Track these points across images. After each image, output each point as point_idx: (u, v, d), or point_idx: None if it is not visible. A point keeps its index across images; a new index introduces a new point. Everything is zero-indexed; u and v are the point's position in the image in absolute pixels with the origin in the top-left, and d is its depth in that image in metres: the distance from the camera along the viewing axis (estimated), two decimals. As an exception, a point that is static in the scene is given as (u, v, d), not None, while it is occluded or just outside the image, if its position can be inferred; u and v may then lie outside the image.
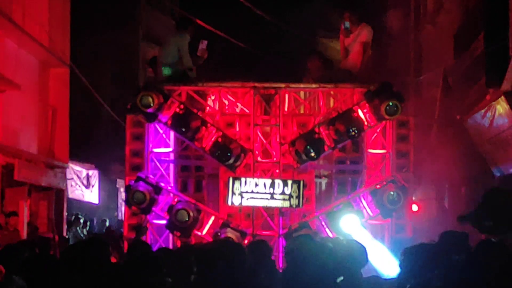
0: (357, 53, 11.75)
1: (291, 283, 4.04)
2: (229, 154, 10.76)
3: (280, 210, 11.10)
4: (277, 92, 11.40)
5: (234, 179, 10.87)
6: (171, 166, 11.61)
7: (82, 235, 20.58)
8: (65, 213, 21.26)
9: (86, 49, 23.50)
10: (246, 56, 24.38)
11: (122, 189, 29.11)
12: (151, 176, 11.11)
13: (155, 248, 8.66)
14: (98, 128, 27.11)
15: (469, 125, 14.13)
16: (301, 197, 10.84)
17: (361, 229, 10.62)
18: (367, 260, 6.59)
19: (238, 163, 10.95)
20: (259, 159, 11.32)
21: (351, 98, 11.35)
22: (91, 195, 25.87)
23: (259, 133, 11.39)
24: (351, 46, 11.81)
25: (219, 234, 10.59)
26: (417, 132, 12.21)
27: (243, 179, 10.88)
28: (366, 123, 10.95)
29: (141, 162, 11.42)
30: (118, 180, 29.24)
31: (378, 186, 10.98)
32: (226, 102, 11.83)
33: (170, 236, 11.12)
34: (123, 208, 29.38)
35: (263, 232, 11.12)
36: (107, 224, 25.19)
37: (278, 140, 11.25)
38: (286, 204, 10.88)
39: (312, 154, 10.77)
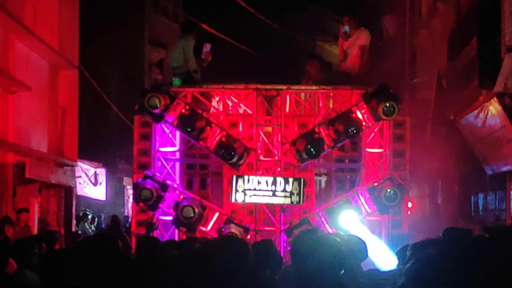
0: (356, 56, 11.78)
1: (296, 276, 4.04)
2: (232, 153, 10.77)
3: (282, 207, 11.11)
4: (278, 94, 11.42)
5: (238, 177, 10.88)
6: (177, 164, 11.62)
7: (90, 230, 20.61)
8: (74, 209, 21.27)
9: (94, 52, 23.45)
10: (248, 58, 24.40)
11: (128, 187, 29.14)
12: (157, 174, 11.12)
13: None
14: (105, 128, 27.08)
15: (462, 125, 14.15)
16: (302, 194, 10.85)
17: (359, 225, 10.63)
18: (366, 254, 6.61)
19: (241, 161, 10.96)
20: (261, 158, 11.34)
21: (350, 99, 11.36)
22: (99, 192, 25.89)
23: (261, 133, 11.41)
24: (350, 49, 11.84)
25: (223, 229, 10.61)
26: (413, 132, 12.20)
27: (246, 177, 10.88)
28: (364, 123, 10.97)
29: (148, 160, 11.43)
30: (124, 178, 29.26)
31: (375, 184, 10.99)
32: (230, 103, 11.84)
33: (176, 231, 11.13)
34: (129, 205, 29.51)
35: (265, 228, 11.14)
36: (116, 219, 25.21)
37: (279, 139, 11.27)
38: (287, 201, 10.89)
39: (313, 153, 10.80)
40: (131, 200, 28.78)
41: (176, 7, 32.11)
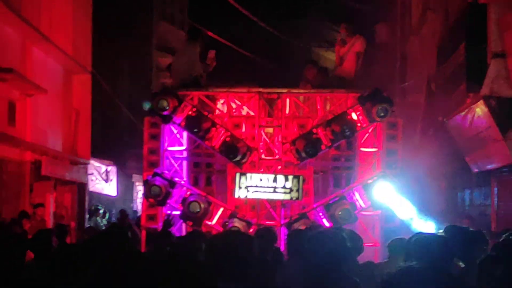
0: (351, 61, 11.79)
1: (304, 267, 4.04)
2: (236, 152, 10.78)
3: (282, 202, 11.11)
4: (279, 97, 11.42)
5: (241, 174, 10.87)
6: (184, 162, 11.63)
7: (101, 224, 20.61)
8: (87, 204, 21.29)
9: (105, 57, 23.46)
10: (251, 64, 24.41)
11: (137, 183, 29.16)
12: (166, 171, 11.12)
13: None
14: (116, 128, 27.08)
15: (451, 126, 14.14)
16: (301, 190, 10.85)
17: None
18: (362, 248, 6.61)
19: (244, 160, 10.96)
20: (263, 156, 11.34)
21: (346, 102, 11.36)
22: (110, 189, 25.92)
23: (263, 133, 11.41)
24: (346, 55, 11.85)
25: (227, 223, 10.61)
26: (404, 133, 12.20)
27: (248, 175, 10.88)
28: (359, 124, 10.96)
29: (157, 159, 11.43)
30: (133, 175, 29.26)
31: (369, 181, 10.98)
32: (234, 106, 11.83)
33: (183, 225, 11.13)
34: (138, 200, 29.52)
35: (267, 222, 11.12)
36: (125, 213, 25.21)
37: (280, 139, 11.27)
38: (287, 197, 10.89)
39: (311, 152, 10.80)
40: (140, 195, 28.92)
41: (182, 15, 32.12)
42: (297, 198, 10.89)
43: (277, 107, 11.47)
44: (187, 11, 32.71)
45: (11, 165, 15.95)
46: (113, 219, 24.42)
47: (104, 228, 18.37)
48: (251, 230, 10.56)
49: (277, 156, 11.30)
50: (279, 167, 11.23)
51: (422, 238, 4.66)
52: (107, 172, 25.34)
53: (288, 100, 11.63)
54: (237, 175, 10.86)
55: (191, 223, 10.74)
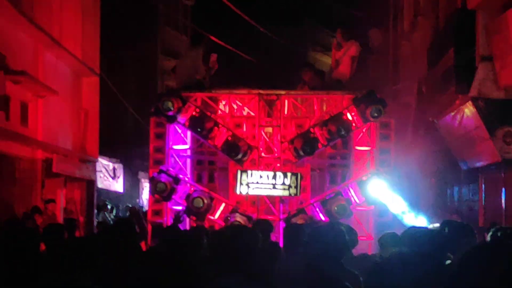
0: (347, 65, 11.78)
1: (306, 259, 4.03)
2: (237, 150, 10.78)
3: (281, 198, 11.12)
4: (278, 98, 11.41)
5: (242, 171, 10.88)
6: (188, 160, 11.64)
7: (109, 219, 20.61)
8: (95, 200, 21.27)
9: (113, 61, 23.47)
10: (251, 67, 24.39)
11: (143, 180, 29.14)
12: (171, 169, 11.11)
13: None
14: (123, 128, 27.08)
15: (440, 126, 14.16)
16: (299, 187, 10.85)
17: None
18: (357, 241, 6.61)
19: (245, 158, 10.96)
20: (263, 154, 11.33)
21: (341, 103, 11.36)
22: (117, 185, 25.92)
23: (263, 133, 11.40)
24: (341, 58, 11.83)
25: (229, 218, 10.62)
26: (396, 132, 12.20)
27: (249, 172, 10.89)
28: (354, 124, 10.96)
29: (162, 157, 11.43)
30: (139, 172, 29.24)
31: (364, 178, 10.98)
32: (235, 106, 11.83)
33: (187, 219, 11.12)
34: (143, 196, 29.51)
35: (266, 217, 11.11)
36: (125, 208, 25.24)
37: (279, 139, 11.26)
38: (286, 193, 10.89)
39: (308, 151, 10.80)
40: (145, 192, 28.91)
41: (186, 21, 32.10)
42: (295, 194, 10.90)
43: (276, 108, 11.47)
44: (191, 17, 32.71)
45: (24, 162, 15.94)
46: (120, 214, 24.43)
47: (112, 222, 18.37)
48: (251, 224, 10.56)
49: (276, 155, 11.30)
50: (278, 165, 11.23)
51: (415, 231, 4.67)
52: (114, 169, 25.33)
53: (286, 101, 11.63)
54: (238, 172, 10.87)
55: (194, 218, 10.75)
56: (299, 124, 11.65)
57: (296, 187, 10.82)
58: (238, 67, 22.55)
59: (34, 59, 16.32)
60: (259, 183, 10.85)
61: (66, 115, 18.77)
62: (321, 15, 31.30)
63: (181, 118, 10.88)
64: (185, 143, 11.53)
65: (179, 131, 11.40)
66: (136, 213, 10.96)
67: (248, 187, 10.85)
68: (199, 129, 10.82)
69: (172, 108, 10.68)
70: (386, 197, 10.96)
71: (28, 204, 14.97)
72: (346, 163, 11.81)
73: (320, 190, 11.62)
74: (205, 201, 10.63)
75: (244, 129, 11.58)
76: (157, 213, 11.40)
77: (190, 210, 10.67)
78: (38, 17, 15.89)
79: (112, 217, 21.36)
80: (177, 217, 7.99)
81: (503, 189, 12.56)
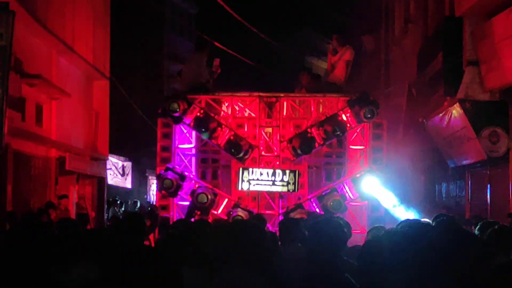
0: (342, 69, 11.76)
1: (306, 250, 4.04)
2: (239, 149, 10.77)
3: (280, 194, 11.11)
4: (277, 100, 11.40)
5: (243, 169, 10.87)
6: (193, 158, 11.62)
7: (118, 213, 20.61)
8: (105, 196, 21.28)
9: (122, 65, 23.48)
10: (252, 71, 24.39)
11: (150, 177, 29.18)
12: (177, 166, 11.11)
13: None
14: (131, 128, 27.11)
15: (429, 126, 14.16)
16: (297, 183, 10.84)
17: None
18: (351, 234, 6.61)
19: (246, 156, 10.95)
20: (263, 153, 11.32)
21: (337, 105, 11.35)
22: (126, 182, 25.95)
23: (263, 133, 11.40)
24: (336, 63, 11.81)
25: (231, 213, 10.61)
26: (388, 132, 12.20)
27: (250, 169, 10.88)
28: (348, 125, 10.96)
29: (169, 155, 11.42)
30: (147, 170, 29.30)
31: (358, 175, 10.98)
32: (237, 108, 11.82)
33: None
34: (150, 192, 29.54)
35: (266, 211, 11.12)
36: (138, 204, 25.24)
37: (278, 138, 11.26)
38: (285, 189, 10.89)
39: (306, 150, 10.80)
40: (152, 188, 28.93)
41: (190, 27, 32.13)
42: (294, 190, 10.89)
43: (275, 109, 11.45)
44: (195, 24, 32.73)
45: (39, 161, 15.95)
46: (128, 209, 24.44)
47: (122, 216, 18.38)
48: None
49: (275, 153, 11.30)
50: (278, 163, 11.22)
51: (407, 224, 4.67)
52: (123, 167, 25.37)
53: (285, 103, 11.62)
54: (240, 169, 10.86)
55: (199, 213, 10.74)
56: (297, 124, 11.63)
57: (294, 183, 10.81)
58: (240, 71, 22.60)
59: (48, 64, 16.31)
60: (259, 180, 10.85)
61: (78, 116, 18.77)
62: (317, 23, 31.36)
63: (186, 119, 10.88)
64: (190, 143, 11.53)
65: (185, 131, 11.40)
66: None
67: (249, 183, 10.84)
68: (203, 129, 10.82)
69: (178, 110, 10.67)
70: (379, 193, 10.96)
71: (42, 199, 14.98)
72: (341, 161, 11.80)
73: (316, 186, 11.61)
74: (209, 196, 10.63)
75: (246, 129, 11.57)
76: (164, 208, 11.40)
77: (195, 205, 10.67)
78: (52, 24, 15.89)
79: (121, 211, 21.37)
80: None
81: (488, 186, 12.58)
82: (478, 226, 5.89)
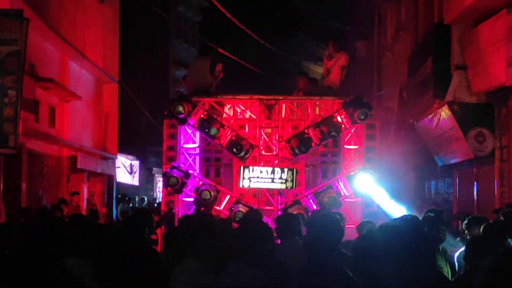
0: (337, 73, 11.73)
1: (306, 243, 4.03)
2: (240, 148, 10.73)
3: (279, 191, 11.06)
4: (276, 103, 11.36)
5: (244, 167, 10.84)
6: (197, 157, 11.58)
7: (127, 209, 20.61)
8: (114, 193, 21.29)
9: (130, 70, 23.47)
10: (252, 75, 24.37)
11: (156, 175, 29.17)
12: (182, 165, 11.07)
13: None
14: (139, 129, 27.10)
15: (419, 127, 14.14)
16: (295, 181, 10.81)
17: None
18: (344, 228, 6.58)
19: (247, 155, 10.91)
20: (263, 152, 11.28)
21: (332, 107, 11.30)
22: (134, 180, 25.94)
23: (263, 133, 11.36)
24: (332, 67, 11.78)
25: (233, 208, 10.58)
26: (381, 133, 12.19)
27: (251, 167, 10.84)
28: (343, 126, 10.91)
29: (174, 154, 11.38)
30: (153, 168, 29.28)
31: (352, 173, 10.95)
32: (238, 110, 11.79)
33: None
34: (157, 189, 29.52)
35: (266, 207, 11.10)
36: (146, 200, 25.24)
37: (277, 138, 11.22)
38: (283, 186, 10.85)
39: (303, 149, 10.78)
40: (159, 185, 28.91)
41: (194, 34, 32.11)
42: (291, 187, 10.86)
43: (274, 111, 11.41)
44: (199, 31, 32.71)
45: (51, 159, 15.96)
46: (137, 204, 24.45)
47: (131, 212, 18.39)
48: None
49: (274, 152, 11.26)
50: (276, 162, 11.18)
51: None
52: (131, 165, 25.36)
53: (284, 106, 11.58)
54: (241, 168, 10.83)
55: (202, 208, 10.71)
56: (295, 125, 11.60)
57: (292, 181, 10.79)
58: (241, 76, 22.55)
59: (60, 68, 16.34)
60: (259, 177, 10.81)
61: (89, 117, 18.78)
62: (314, 30, 31.32)
63: (191, 120, 10.85)
64: (194, 142, 11.49)
65: (189, 131, 11.36)
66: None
67: (250, 181, 10.81)
68: (206, 130, 10.79)
69: (183, 112, 10.63)
70: (372, 190, 10.95)
71: (55, 196, 14.99)
72: (336, 160, 11.77)
73: (313, 183, 11.58)
74: (212, 193, 10.60)
75: (246, 130, 11.54)
76: (169, 204, 11.37)
77: (198, 201, 10.63)
78: (64, 31, 15.89)
79: (129, 207, 21.37)
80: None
81: (475, 183, 12.56)
82: (465, 221, 5.88)
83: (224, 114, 11.72)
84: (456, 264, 5.51)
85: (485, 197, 11.86)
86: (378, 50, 21.48)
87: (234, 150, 10.76)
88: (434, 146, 13.65)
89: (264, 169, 10.87)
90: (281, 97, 11.47)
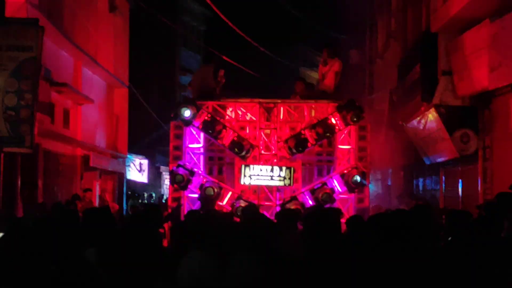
0: (331, 79, 11.70)
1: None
2: (242, 148, 10.73)
3: (277, 188, 11.06)
4: (275, 106, 11.35)
5: (245, 166, 10.83)
6: (201, 157, 11.57)
7: (137, 204, 20.59)
8: (125, 190, 21.27)
9: (140, 75, 23.45)
10: (253, 80, 24.36)
11: (164, 173, 29.15)
12: (187, 163, 11.07)
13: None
14: (147, 130, 27.09)
15: (408, 128, 14.10)
16: (292, 178, 10.80)
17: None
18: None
19: (248, 155, 10.91)
20: (262, 152, 11.27)
21: (327, 110, 11.29)
22: (143, 177, 25.90)
23: (262, 134, 11.34)
24: (327, 73, 11.75)
25: (234, 204, 10.58)
26: (372, 134, 12.15)
27: (251, 166, 10.84)
28: (337, 127, 10.90)
29: (180, 154, 11.36)
30: (161, 166, 29.26)
31: (345, 171, 10.94)
32: (240, 113, 11.77)
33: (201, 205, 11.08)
34: (164, 186, 29.49)
35: (265, 203, 11.09)
36: (153, 197, 25.23)
37: (276, 139, 11.21)
38: (281, 183, 10.85)
39: (300, 149, 10.76)
40: (166, 183, 28.88)
41: (199, 42, 32.08)
42: (289, 184, 10.85)
43: (273, 113, 11.40)
44: (204, 39, 32.70)
45: (66, 158, 15.94)
46: (145, 200, 24.42)
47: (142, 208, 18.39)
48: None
49: (273, 152, 11.25)
50: (275, 160, 11.17)
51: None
52: (140, 164, 25.33)
53: (282, 108, 11.55)
54: (243, 166, 10.83)
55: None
56: (292, 127, 11.58)
57: (290, 178, 10.78)
58: (242, 80, 22.53)
59: (74, 73, 16.32)
60: (259, 175, 10.81)
61: (101, 119, 18.77)
62: (310, 39, 31.31)
63: (195, 122, 10.84)
64: (199, 142, 11.48)
65: (194, 132, 11.35)
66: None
67: (250, 178, 10.80)
68: (210, 131, 10.78)
69: (188, 114, 10.64)
70: (363, 187, 10.95)
71: (69, 192, 14.97)
72: (330, 159, 11.74)
73: (309, 181, 11.55)
74: (215, 190, 10.59)
75: (247, 131, 11.52)
76: (176, 199, 11.36)
77: (203, 197, 10.63)
78: (78, 39, 15.88)
79: (138, 203, 21.35)
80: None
81: (460, 180, 12.53)
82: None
83: (227, 116, 11.70)
84: None
85: (469, 193, 11.84)
86: (369, 57, 21.46)
87: (236, 149, 10.75)
88: (422, 146, 13.62)
89: (263, 167, 10.86)
90: (279, 101, 11.46)
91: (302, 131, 10.85)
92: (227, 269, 3.80)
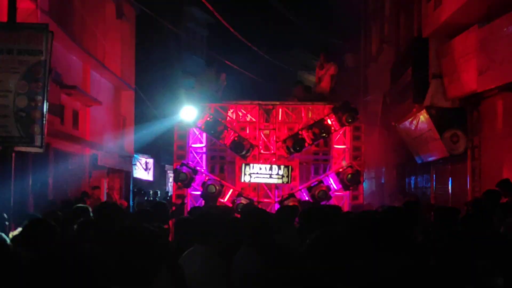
0: (327, 81, 11.69)
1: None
2: (242, 148, 10.73)
3: (276, 185, 11.05)
4: (274, 107, 11.35)
5: (245, 164, 10.82)
6: (204, 156, 11.56)
7: (143, 201, 20.54)
8: (131, 187, 21.24)
9: (145, 78, 23.42)
10: (253, 83, 24.34)
11: (168, 171, 29.11)
12: (190, 162, 11.06)
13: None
14: (153, 131, 27.02)
15: (400, 129, 14.08)
16: (290, 176, 10.80)
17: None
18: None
19: (248, 154, 10.90)
20: (262, 151, 11.27)
21: (323, 111, 11.28)
22: (148, 175, 25.85)
23: (262, 134, 11.34)
24: (323, 76, 11.74)
25: (235, 201, 10.56)
26: (366, 134, 12.14)
27: (251, 165, 10.83)
28: (332, 128, 10.90)
29: (184, 153, 11.37)
30: (166, 165, 29.21)
31: (340, 170, 10.93)
32: (240, 114, 11.77)
33: (203, 202, 11.06)
34: (169, 184, 29.45)
35: (264, 200, 11.07)
36: (159, 194, 25.17)
37: (274, 139, 11.20)
38: (280, 181, 10.84)
39: (297, 148, 10.75)
40: (170, 180, 28.83)
41: (202, 47, 32.08)
42: (287, 182, 10.84)
43: (272, 115, 11.40)
44: (206, 44, 32.68)
45: (75, 157, 15.92)
46: (151, 198, 24.36)
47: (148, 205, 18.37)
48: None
49: (272, 151, 11.24)
50: (274, 159, 11.17)
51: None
52: (146, 163, 25.29)
53: (280, 110, 11.56)
54: (243, 165, 10.82)
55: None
56: (290, 127, 11.57)
57: (288, 176, 10.77)
58: (243, 83, 22.50)
59: (83, 76, 16.30)
60: (259, 173, 10.80)
61: (108, 120, 18.75)
62: (307, 43, 31.30)
63: (198, 123, 10.83)
64: (202, 142, 11.48)
65: (197, 133, 11.35)
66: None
67: (250, 176, 10.80)
68: (212, 131, 10.77)
69: (191, 115, 10.62)
70: (357, 185, 10.93)
71: (78, 190, 14.95)
72: (326, 158, 11.73)
73: (306, 179, 11.55)
74: (217, 187, 10.58)
75: (247, 132, 11.52)
76: (179, 196, 11.35)
77: (205, 194, 10.62)
78: (86, 43, 15.87)
79: (144, 200, 21.31)
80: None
81: (450, 179, 12.52)
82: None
83: (228, 118, 11.70)
84: None
85: (459, 191, 11.82)
86: (364, 61, 21.45)
87: (237, 149, 10.74)
88: (413, 146, 13.60)
89: (263, 166, 10.85)
90: (278, 103, 11.45)
91: (300, 132, 10.85)
92: (230, 263, 3.78)
